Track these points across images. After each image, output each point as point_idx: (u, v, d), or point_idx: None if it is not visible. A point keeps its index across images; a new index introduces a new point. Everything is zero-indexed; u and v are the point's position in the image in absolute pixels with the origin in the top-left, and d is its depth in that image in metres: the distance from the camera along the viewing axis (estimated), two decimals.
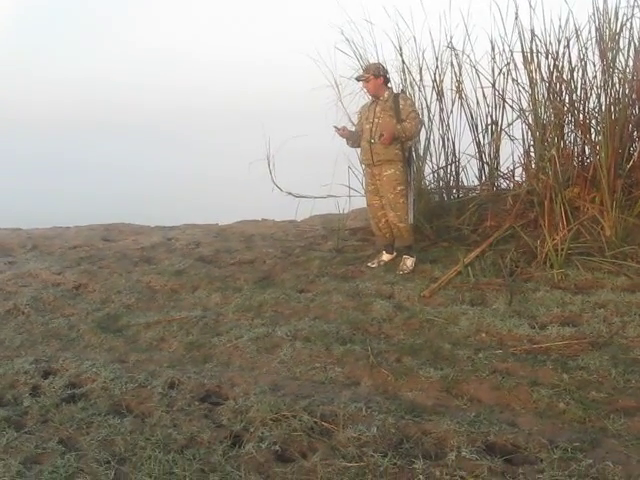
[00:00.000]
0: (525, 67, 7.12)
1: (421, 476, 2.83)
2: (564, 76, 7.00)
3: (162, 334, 5.21)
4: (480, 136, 7.74)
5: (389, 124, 6.07)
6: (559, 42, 6.89)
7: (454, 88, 7.70)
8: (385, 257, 6.67)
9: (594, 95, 6.90)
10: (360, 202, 7.58)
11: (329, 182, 7.41)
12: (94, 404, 3.83)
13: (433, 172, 7.94)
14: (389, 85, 6.34)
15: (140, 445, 3.29)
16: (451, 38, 7.53)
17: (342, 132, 6.29)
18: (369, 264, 6.62)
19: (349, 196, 7.69)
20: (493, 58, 7.44)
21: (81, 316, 5.72)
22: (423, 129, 7.19)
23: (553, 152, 6.57)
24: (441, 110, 7.78)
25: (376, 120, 6.14)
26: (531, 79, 7.08)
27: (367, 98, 6.56)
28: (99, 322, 5.55)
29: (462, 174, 7.97)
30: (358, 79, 6.34)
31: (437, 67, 7.67)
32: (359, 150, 6.54)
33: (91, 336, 5.24)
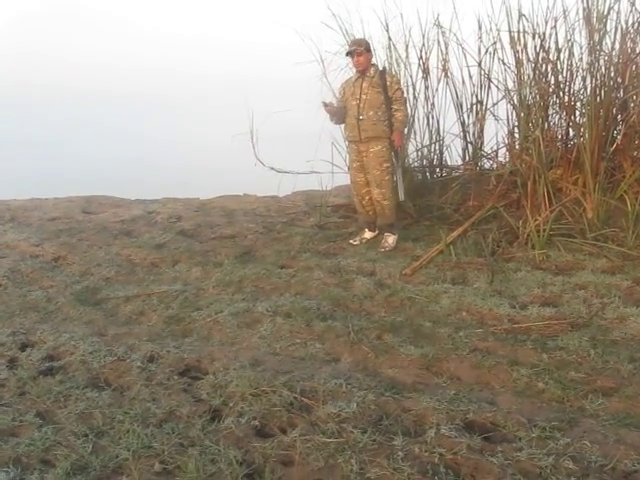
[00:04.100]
0: (512, 47, 7.06)
1: (400, 452, 2.84)
2: (550, 57, 6.96)
3: (142, 308, 5.19)
4: (465, 115, 7.69)
5: (377, 100, 6.06)
6: (546, 23, 6.84)
7: (440, 66, 7.64)
8: (367, 234, 6.66)
9: (580, 77, 6.87)
10: (343, 179, 7.55)
11: (312, 158, 7.36)
12: (72, 377, 3.81)
13: (417, 150, 7.90)
14: (373, 61, 6.30)
15: (118, 419, 3.28)
16: (438, 16, 7.45)
17: (330, 108, 6.23)
18: (351, 241, 6.61)
19: (332, 172, 7.63)
20: (480, 37, 7.36)
21: (60, 288, 5.67)
22: (408, 106, 7.14)
23: (537, 133, 6.56)
24: (426, 88, 7.71)
25: (363, 96, 6.10)
26: (517, 59, 7.04)
27: (351, 74, 6.50)
28: (78, 295, 5.51)
29: (446, 153, 7.93)
30: (353, 52, 6.17)
31: (423, 45, 7.59)
32: (342, 126, 6.51)
33: (70, 309, 5.20)
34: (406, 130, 7.47)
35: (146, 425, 3.20)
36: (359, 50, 6.11)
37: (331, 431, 3.05)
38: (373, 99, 6.07)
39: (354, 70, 6.34)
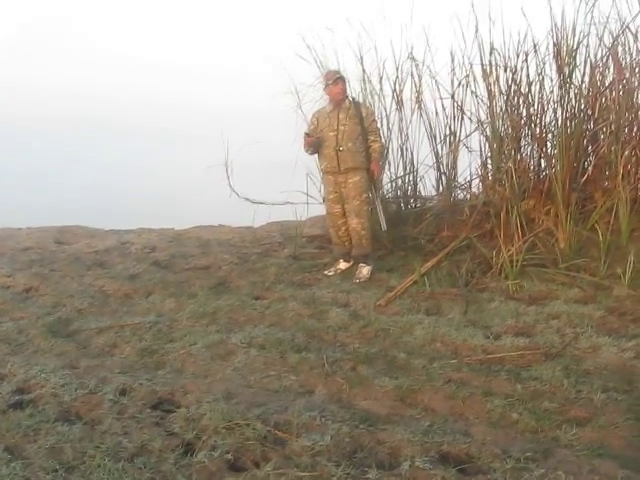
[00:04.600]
0: (484, 80, 7.19)
1: None
2: (522, 90, 7.09)
3: (114, 340, 5.12)
4: (438, 147, 7.78)
5: (355, 131, 6.13)
6: (518, 56, 6.98)
7: (414, 98, 7.74)
8: (342, 265, 6.67)
9: (551, 109, 7.01)
10: (318, 209, 7.58)
11: (287, 189, 7.39)
12: (42, 411, 3.73)
13: (391, 181, 7.96)
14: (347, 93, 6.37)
15: (89, 453, 3.21)
16: (412, 49, 7.57)
17: (311, 139, 6.23)
18: (326, 272, 6.61)
19: (307, 203, 7.68)
20: (453, 70, 7.49)
21: (31, 320, 5.58)
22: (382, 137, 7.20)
23: (510, 164, 6.66)
24: (400, 120, 7.80)
25: (341, 128, 6.13)
26: (490, 92, 7.15)
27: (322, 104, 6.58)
28: (50, 326, 5.43)
29: (420, 184, 8.00)
30: (338, 79, 6.21)
31: (397, 77, 7.70)
32: (316, 157, 6.53)
33: (41, 341, 5.12)
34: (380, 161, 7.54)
35: (117, 460, 3.14)
36: (343, 77, 6.20)
37: (305, 464, 3.02)
38: (351, 130, 6.12)
39: (328, 101, 6.39)
